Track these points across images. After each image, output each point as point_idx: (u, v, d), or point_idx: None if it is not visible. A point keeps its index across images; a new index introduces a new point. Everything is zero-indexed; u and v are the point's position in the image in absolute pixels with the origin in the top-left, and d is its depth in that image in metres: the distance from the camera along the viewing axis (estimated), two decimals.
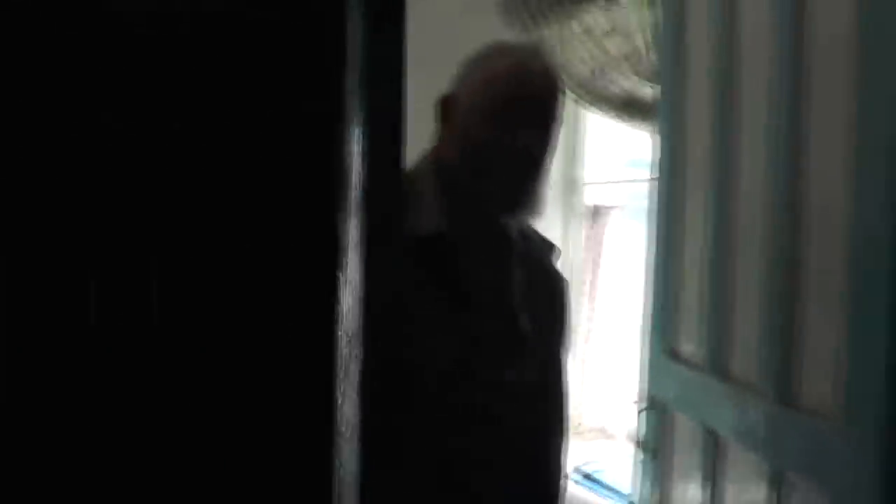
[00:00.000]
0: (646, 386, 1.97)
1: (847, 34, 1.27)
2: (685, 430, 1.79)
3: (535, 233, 1.53)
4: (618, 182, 3.34)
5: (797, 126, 1.41)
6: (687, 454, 1.77)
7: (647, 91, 2.68)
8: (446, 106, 1.41)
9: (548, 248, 1.54)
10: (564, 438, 1.51)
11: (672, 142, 1.92)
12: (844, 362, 1.25)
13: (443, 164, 1.39)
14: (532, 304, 1.42)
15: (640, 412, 1.95)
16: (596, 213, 3.34)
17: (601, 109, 2.90)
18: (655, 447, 1.92)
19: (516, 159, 1.36)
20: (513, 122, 1.36)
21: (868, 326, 1.19)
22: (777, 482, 1.41)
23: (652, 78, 2.58)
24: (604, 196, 3.36)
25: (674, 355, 1.87)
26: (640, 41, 2.67)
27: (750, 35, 1.60)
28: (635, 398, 1.98)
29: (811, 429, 1.35)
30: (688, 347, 1.82)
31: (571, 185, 3.22)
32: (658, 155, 1.99)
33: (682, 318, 1.87)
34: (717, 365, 1.65)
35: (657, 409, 1.90)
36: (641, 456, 1.97)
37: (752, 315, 1.53)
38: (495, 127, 1.35)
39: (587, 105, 2.90)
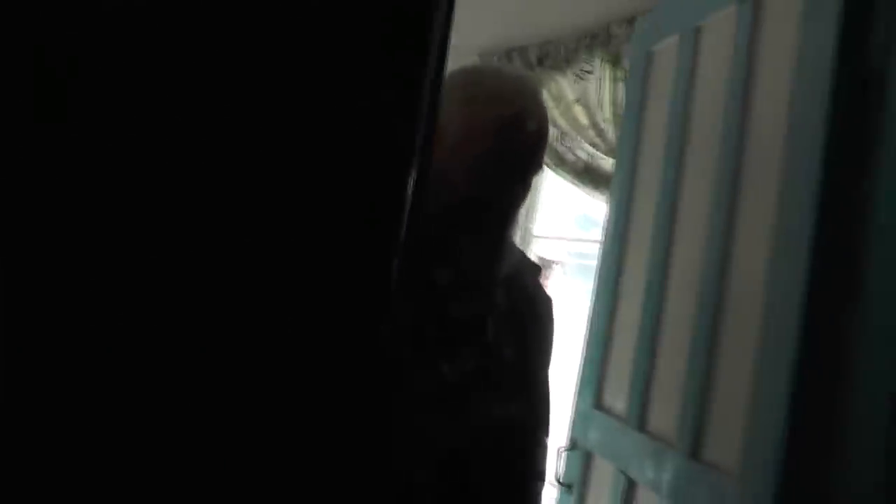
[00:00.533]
0: (573, 432, 2.15)
1: (776, 137, 1.49)
2: (604, 473, 1.98)
3: (521, 253, 1.51)
4: (565, 239, 3.57)
5: (731, 216, 1.62)
6: (603, 495, 1.96)
7: (604, 162, 2.89)
8: None
9: (533, 269, 1.52)
10: (546, 461, 1.49)
11: (620, 212, 2.13)
12: (747, 426, 1.46)
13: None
14: (515, 331, 1.36)
15: (562, 452, 2.13)
16: (542, 265, 3.55)
17: (560, 172, 3.10)
18: (571, 484, 2.10)
19: (497, 215, 1.30)
20: (499, 179, 1.25)
21: (768, 396, 1.40)
22: None
23: (609, 150, 2.80)
24: (550, 250, 3.57)
25: (600, 406, 2.06)
26: (603, 114, 2.90)
27: (700, 125, 1.82)
28: (564, 443, 2.16)
29: (714, 481, 1.55)
30: (613, 400, 2.01)
31: (524, 237, 3.42)
32: (607, 222, 2.20)
33: (610, 373, 2.07)
34: (638, 418, 1.85)
35: (580, 451, 2.09)
36: (559, 492, 2.14)
37: (672, 378, 1.73)
38: (479, 186, 1.24)
39: (549, 167, 3.11)
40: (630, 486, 1.84)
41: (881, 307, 1.27)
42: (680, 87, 1.90)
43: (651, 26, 2.14)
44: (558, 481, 2.12)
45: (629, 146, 2.14)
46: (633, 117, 2.15)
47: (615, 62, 2.81)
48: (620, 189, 2.15)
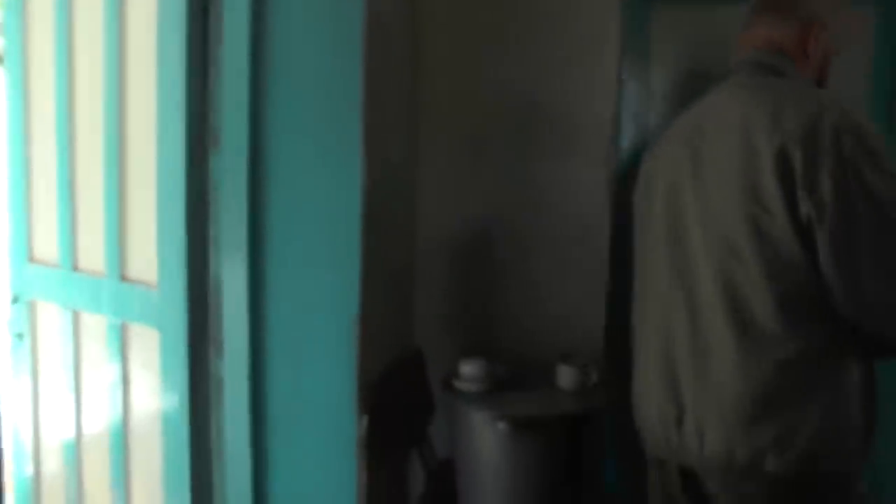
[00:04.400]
0: (13, 287, 2.38)
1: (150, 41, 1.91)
2: (51, 314, 2.29)
3: None
4: None
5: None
6: (55, 332, 2.28)
7: None
8: None
9: None
10: None
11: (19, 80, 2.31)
12: (159, 247, 1.93)
13: None
14: None
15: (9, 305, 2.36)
16: None
17: None
18: (22, 333, 2.37)
19: None
20: None
21: (166, 221, 1.88)
22: (123, 329, 2.05)
23: None
24: None
25: (33, 258, 2.32)
26: None
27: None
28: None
29: (140, 294, 2.01)
30: (45, 251, 2.29)
31: None
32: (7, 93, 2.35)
33: (37, 228, 2.32)
34: (71, 261, 2.18)
35: (23, 302, 2.34)
36: (12, 342, 2.39)
37: (94, 219, 2.10)
38: None
39: None
40: (76, 318, 2.20)
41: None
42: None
43: None
44: (13, 334, 2.36)
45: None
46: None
47: None
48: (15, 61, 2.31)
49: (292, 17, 1.86)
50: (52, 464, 2.37)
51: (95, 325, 2.15)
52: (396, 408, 2.09)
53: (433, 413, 2.38)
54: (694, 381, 1.48)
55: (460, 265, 2.54)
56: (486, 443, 2.03)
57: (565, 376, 2.16)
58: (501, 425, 1.99)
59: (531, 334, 2.45)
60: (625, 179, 2.26)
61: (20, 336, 2.37)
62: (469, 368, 2.16)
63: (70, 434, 2.27)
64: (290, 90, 1.86)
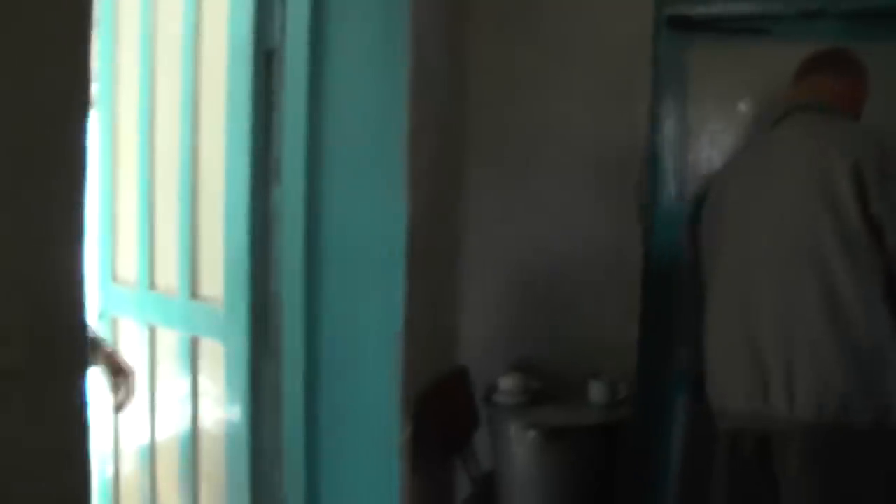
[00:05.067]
0: (100, 304, 2.65)
1: (220, 80, 2.16)
2: (130, 329, 2.55)
3: None
4: None
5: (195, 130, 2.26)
6: (133, 343, 2.53)
7: None
8: None
9: None
10: None
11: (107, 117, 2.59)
12: (226, 271, 2.17)
13: None
14: None
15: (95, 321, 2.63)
16: None
17: None
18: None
19: None
20: None
21: (234, 250, 2.12)
22: (192, 342, 2.29)
23: None
24: None
25: (116, 278, 2.59)
26: None
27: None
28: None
29: (209, 311, 2.24)
30: (127, 272, 2.55)
31: None
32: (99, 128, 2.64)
33: (120, 251, 2.59)
34: (149, 282, 2.44)
35: (107, 318, 2.62)
36: None
37: (169, 244, 2.35)
38: None
39: None
40: (152, 333, 2.45)
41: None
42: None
43: None
44: None
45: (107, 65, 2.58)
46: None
47: None
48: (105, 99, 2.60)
49: (346, 63, 2.09)
50: (129, 466, 2.61)
51: (169, 339, 2.39)
52: (440, 418, 2.28)
53: (477, 426, 2.56)
54: (783, 352, 1.78)
55: (502, 290, 2.72)
56: (520, 451, 2.20)
57: (596, 391, 2.31)
58: (532, 434, 2.16)
59: (567, 354, 2.61)
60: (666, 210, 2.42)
61: None
62: (507, 383, 2.33)
63: (145, 439, 2.51)
64: (344, 131, 2.08)
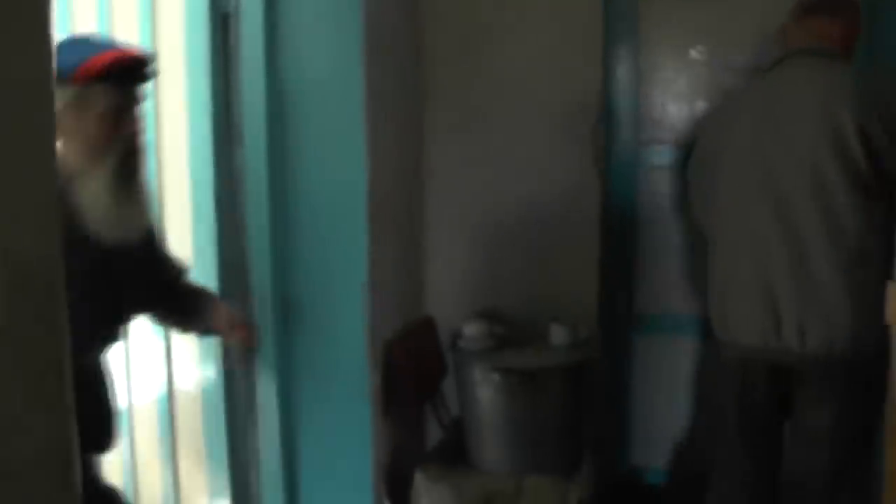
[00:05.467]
0: None
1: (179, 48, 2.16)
2: None
3: None
4: None
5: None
6: None
7: None
8: None
9: None
10: None
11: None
12: (190, 227, 2.20)
13: None
14: None
15: None
16: None
17: None
18: None
19: None
20: None
21: (204, 203, 2.15)
22: None
23: None
24: None
25: None
26: None
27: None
28: None
29: None
30: None
31: None
32: None
33: None
34: None
35: None
36: None
37: None
38: None
39: None
40: None
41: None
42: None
43: None
44: None
45: None
46: None
47: None
48: None
49: (302, 22, 2.11)
50: None
51: None
52: (409, 366, 2.35)
53: (445, 373, 2.64)
54: (795, 291, 1.92)
55: (465, 241, 2.79)
56: (486, 394, 2.29)
57: (557, 334, 2.40)
58: (497, 377, 2.25)
59: (530, 299, 2.70)
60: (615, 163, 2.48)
61: None
62: (471, 329, 2.41)
63: (124, 402, 2.56)
64: (303, 89, 2.12)
